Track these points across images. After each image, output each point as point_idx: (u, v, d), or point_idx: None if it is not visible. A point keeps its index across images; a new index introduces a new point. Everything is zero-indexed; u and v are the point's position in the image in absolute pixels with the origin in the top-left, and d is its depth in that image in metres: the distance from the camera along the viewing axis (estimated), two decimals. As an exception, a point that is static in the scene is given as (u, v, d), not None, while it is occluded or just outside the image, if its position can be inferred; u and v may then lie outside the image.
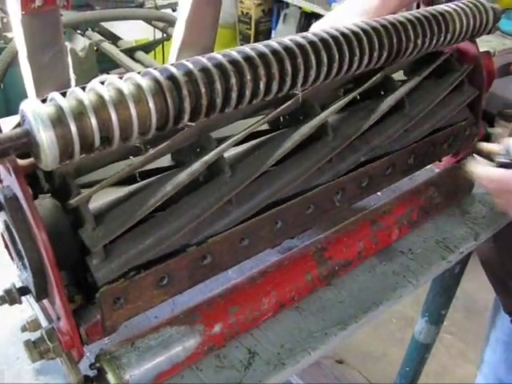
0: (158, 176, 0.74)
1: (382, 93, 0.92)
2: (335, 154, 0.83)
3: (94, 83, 0.59)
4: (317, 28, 0.96)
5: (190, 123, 0.68)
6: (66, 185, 0.67)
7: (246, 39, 4.10)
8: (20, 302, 0.71)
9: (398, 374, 1.74)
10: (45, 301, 0.70)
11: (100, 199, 0.69)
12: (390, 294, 0.94)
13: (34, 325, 0.71)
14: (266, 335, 0.85)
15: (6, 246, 0.71)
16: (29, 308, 0.80)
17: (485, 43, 2.49)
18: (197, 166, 0.71)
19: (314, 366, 2.07)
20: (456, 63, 1.02)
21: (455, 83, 1.00)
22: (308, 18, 3.67)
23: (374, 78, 0.89)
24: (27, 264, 0.62)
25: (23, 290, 0.71)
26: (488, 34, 0.97)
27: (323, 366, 2.13)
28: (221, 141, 0.75)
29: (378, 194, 1.12)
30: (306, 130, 0.80)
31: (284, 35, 0.73)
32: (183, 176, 0.70)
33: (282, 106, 0.80)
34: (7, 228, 0.65)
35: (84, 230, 0.65)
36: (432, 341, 1.57)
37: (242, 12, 4.03)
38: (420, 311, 1.53)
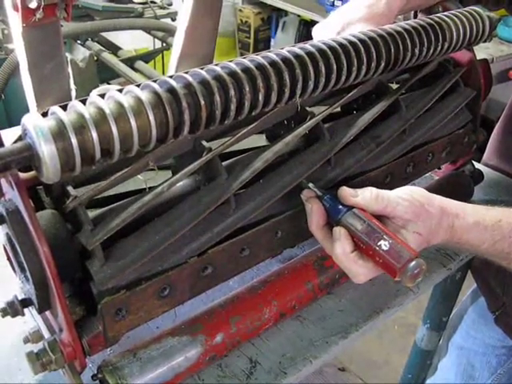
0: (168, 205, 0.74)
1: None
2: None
3: (95, 96, 0.59)
4: (320, 29, 0.96)
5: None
6: (78, 218, 0.67)
7: (245, 47, 4.12)
8: (22, 314, 0.72)
9: (400, 381, 1.73)
10: (47, 312, 0.71)
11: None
12: (390, 302, 0.94)
13: (36, 336, 0.72)
14: (268, 344, 0.85)
15: (9, 259, 0.71)
16: (31, 319, 0.80)
17: (483, 50, 2.50)
18: (202, 207, 0.72)
19: (317, 373, 2.07)
20: (461, 84, 1.03)
21: (458, 108, 1.01)
22: (307, 26, 3.69)
23: (384, 103, 0.89)
24: (29, 276, 0.62)
25: (25, 302, 0.71)
26: (484, 42, 0.97)
27: (325, 373, 2.12)
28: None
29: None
30: (316, 156, 0.81)
31: (283, 43, 0.74)
32: (186, 215, 0.71)
33: (298, 129, 0.81)
34: (9, 241, 0.65)
35: (93, 265, 0.66)
36: (434, 347, 1.56)
37: (242, 21, 4.05)
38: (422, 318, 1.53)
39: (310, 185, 0.78)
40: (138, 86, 0.63)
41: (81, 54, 2.49)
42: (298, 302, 0.86)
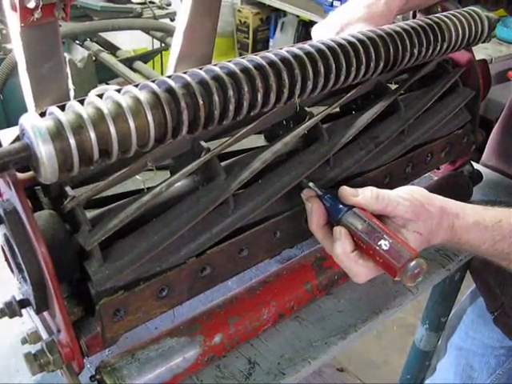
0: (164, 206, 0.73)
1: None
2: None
3: (93, 97, 0.59)
4: (319, 29, 0.96)
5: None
6: (76, 219, 0.66)
7: (244, 48, 4.12)
8: (20, 315, 0.71)
9: (399, 381, 1.73)
10: (45, 313, 0.70)
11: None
12: (389, 303, 0.94)
13: (34, 337, 0.71)
14: (266, 345, 0.85)
15: (7, 259, 0.71)
16: (29, 320, 0.80)
17: (482, 50, 2.50)
18: (201, 208, 0.72)
19: (315, 374, 2.07)
20: (460, 84, 1.03)
21: (457, 108, 1.01)
22: (306, 27, 3.69)
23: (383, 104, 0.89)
24: (27, 277, 0.62)
25: (23, 303, 0.71)
26: (483, 42, 0.97)
27: (324, 374, 2.12)
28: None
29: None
30: (314, 156, 0.81)
31: (282, 44, 0.74)
32: (185, 215, 0.71)
33: (297, 130, 0.80)
34: (7, 241, 0.65)
35: (91, 265, 0.65)
36: (433, 348, 1.56)
37: (240, 21, 4.05)
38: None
39: (311, 184, 0.78)
40: (137, 86, 0.63)
41: (79, 54, 2.49)
42: (296, 302, 0.86)
